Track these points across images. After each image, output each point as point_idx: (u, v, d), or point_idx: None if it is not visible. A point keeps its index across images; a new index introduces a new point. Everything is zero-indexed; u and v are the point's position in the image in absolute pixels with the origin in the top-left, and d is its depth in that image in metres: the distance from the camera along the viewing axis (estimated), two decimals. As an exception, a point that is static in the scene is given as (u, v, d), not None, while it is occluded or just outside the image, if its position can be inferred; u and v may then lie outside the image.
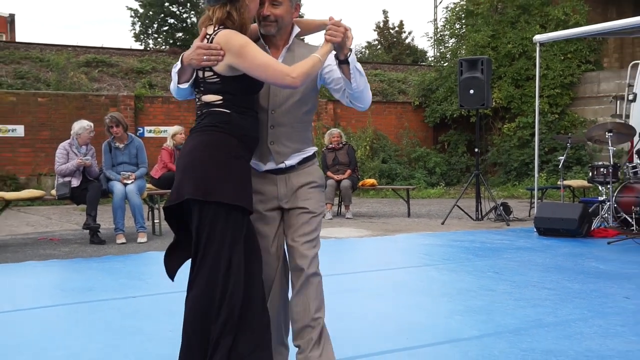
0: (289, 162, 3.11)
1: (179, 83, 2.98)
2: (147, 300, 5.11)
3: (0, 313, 4.75)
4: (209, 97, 2.95)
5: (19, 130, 14.26)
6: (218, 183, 2.83)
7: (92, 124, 8.49)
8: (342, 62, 2.99)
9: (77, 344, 3.95)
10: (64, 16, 66.61)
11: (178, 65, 2.96)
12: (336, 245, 8.11)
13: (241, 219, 2.88)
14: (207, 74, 2.90)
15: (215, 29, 2.88)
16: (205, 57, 2.82)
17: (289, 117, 3.09)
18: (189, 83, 2.97)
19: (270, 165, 3.07)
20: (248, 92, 2.96)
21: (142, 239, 8.21)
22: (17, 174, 14.10)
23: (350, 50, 2.97)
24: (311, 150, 3.20)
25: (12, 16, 31.18)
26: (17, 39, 28.44)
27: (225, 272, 2.83)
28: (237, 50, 2.82)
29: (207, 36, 2.88)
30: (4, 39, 27.20)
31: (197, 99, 3.02)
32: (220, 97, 2.91)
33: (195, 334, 2.89)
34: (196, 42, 2.88)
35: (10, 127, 14.19)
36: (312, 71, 2.90)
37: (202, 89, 2.96)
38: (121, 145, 8.47)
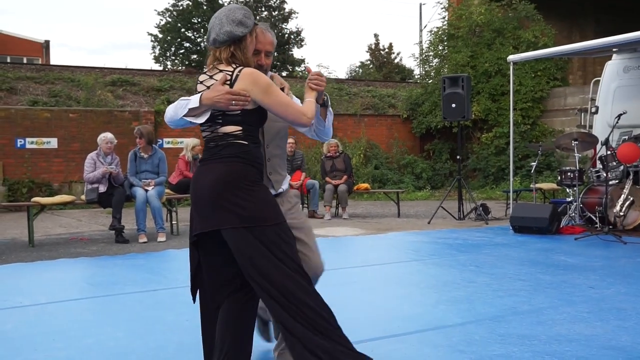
0: (284, 186, 3.14)
1: (187, 116, 2.84)
2: (167, 293, 5.09)
3: (36, 305, 4.73)
4: (229, 128, 2.81)
5: (53, 143, 14.25)
6: (258, 208, 2.73)
7: (108, 136, 8.46)
8: (322, 105, 3.07)
9: (104, 333, 3.93)
10: (92, 42, 66.69)
11: (192, 102, 2.80)
12: (334, 243, 8.09)
13: (287, 230, 2.83)
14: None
15: (235, 67, 2.81)
16: (233, 103, 2.73)
17: (278, 150, 3.13)
18: (204, 118, 2.82)
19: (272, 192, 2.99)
20: (260, 124, 2.92)
21: (161, 238, 8.19)
22: (51, 181, 14.08)
23: (326, 94, 3.08)
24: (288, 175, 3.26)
25: (47, 42, 31.21)
26: (52, 62, 28.47)
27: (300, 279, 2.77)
28: (264, 88, 2.77)
29: (229, 74, 2.79)
30: (40, 62, 27.22)
31: (208, 131, 2.85)
32: (240, 128, 2.80)
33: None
34: (219, 86, 2.76)
35: (45, 139, 14.17)
36: (315, 113, 2.97)
37: (220, 121, 2.81)
38: (145, 156, 8.47)
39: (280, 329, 2.80)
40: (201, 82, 2.89)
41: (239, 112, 2.78)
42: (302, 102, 3.02)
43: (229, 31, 2.81)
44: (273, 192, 3.02)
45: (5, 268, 6.37)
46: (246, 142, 2.81)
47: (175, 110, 2.90)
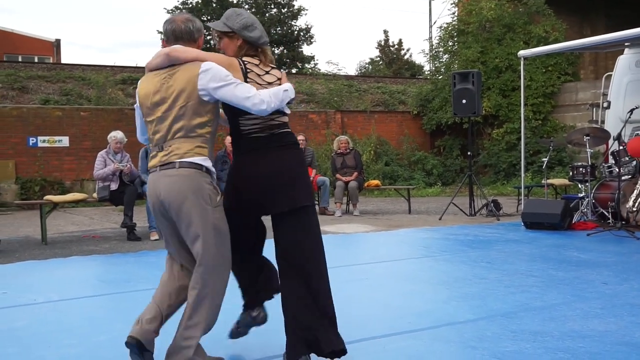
0: None
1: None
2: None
3: (49, 302, 4.76)
4: (285, 118, 3.19)
5: (65, 141, 14.32)
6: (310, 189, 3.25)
7: (118, 136, 8.46)
8: None
9: (116, 329, 3.94)
10: (102, 40, 66.96)
11: (291, 92, 3.20)
12: (345, 240, 8.08)
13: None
14: None
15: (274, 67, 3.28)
16: None
17: None
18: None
19: None
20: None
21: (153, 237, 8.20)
22: (63, 179, 14.16)
23: None
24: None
25: (57, 41, 31.33)
26: (63, 61, 28.60)
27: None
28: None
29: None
30: (51, 61, 27.35)
31: (259, 120, 3.09)
32: (287, 118, 3.23)
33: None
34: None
35: (57, 138, 14.25)
36: None
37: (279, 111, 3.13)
38: (156, 153, 8.46)
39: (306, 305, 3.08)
40: (258, 76, 3.13)
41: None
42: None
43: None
44: None
45: (18, 265, 6.42)
46: (290, 130, 3.21)
47: (282, 101, 3.09)
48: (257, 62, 3.15)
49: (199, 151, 3.03)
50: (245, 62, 3.11)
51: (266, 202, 3.09)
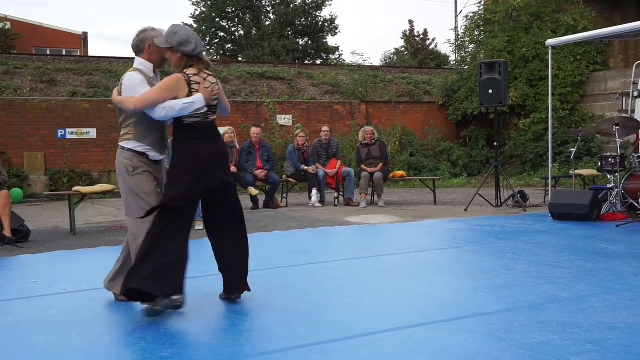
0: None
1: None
2: (204, 280, 5.14)
3: (79, 291, 4.84)
4: (214, 116, 4.30)
5: (92, 133, 14.51)
6: None
7: None
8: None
9: (143, 318, 3.99)
10: (127, 33, 67.50)
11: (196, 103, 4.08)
12: (370, 231, 8.09)
13: None
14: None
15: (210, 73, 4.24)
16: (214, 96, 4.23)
17: None
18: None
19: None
20: None
21: (198, 226, 8.24)
22: (90, 170, 14.36)
23: None
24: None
25: (85, 34, 31.67)
26: (90, 54, 28.92)
27: None
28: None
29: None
30: (78, 54, 27.67)
31: (207, 117, 4.20)
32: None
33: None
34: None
35: (84, 130, 14.45)
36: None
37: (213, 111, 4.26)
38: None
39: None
40: (199, 83, 4.11)
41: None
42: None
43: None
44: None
45: (48, 255, 6.53)
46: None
47: (178, 111, 4.06)
48: (196, 71, 4.10)
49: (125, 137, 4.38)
50: (190, 76, 4.08)
51: None
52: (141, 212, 4.09)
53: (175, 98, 4.00)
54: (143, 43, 4.26)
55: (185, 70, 4.08)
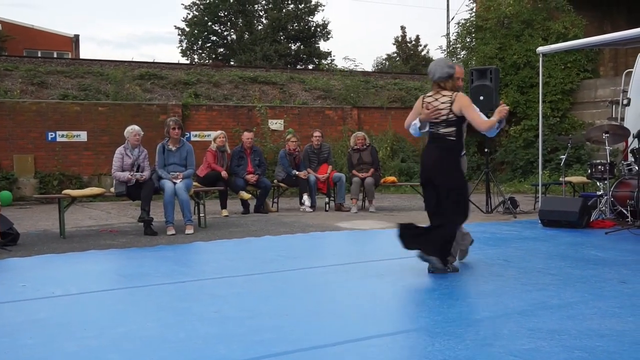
0: None
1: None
2: (194, 285, 5.14)
3: (68, 295, 4.82)
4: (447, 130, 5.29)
5: (83, 136, 14.45)
6: None
7: (135, 128, 8.52)
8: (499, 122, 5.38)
9: (135, 323, 3.99)
10: (119, 36, 67.35)
11: (417, 123, 5.39)
12: (361, 236, 8.09)
13: None
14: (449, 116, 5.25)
15: (451, 93, 5.24)
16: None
17: None
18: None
19: None
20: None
21: (189, 230, 8.26)
22: (81, 173, 14.28)
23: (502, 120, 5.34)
24: None
25: (76, 36, 31.59)
26: (81, 56, 28.83)
27: None
28: (468, 104, 5.23)
29: (449, 97, 5.24)
30: (69, 57, 27.58)
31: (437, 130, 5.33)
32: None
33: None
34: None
35: (75, 132, 14.38)
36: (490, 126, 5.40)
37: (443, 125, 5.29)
38: (174, 148, 8.56)
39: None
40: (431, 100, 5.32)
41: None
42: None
43: (447, 72, 5.29)
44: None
45: (37, 259, 6.49)
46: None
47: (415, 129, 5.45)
48: (432, 93, 5.36)
49: None
50: (425, 98, 5.36)
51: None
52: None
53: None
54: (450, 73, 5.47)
55: (426, 94, 5.35)
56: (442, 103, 5.19)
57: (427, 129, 5.29)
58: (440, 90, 5.24)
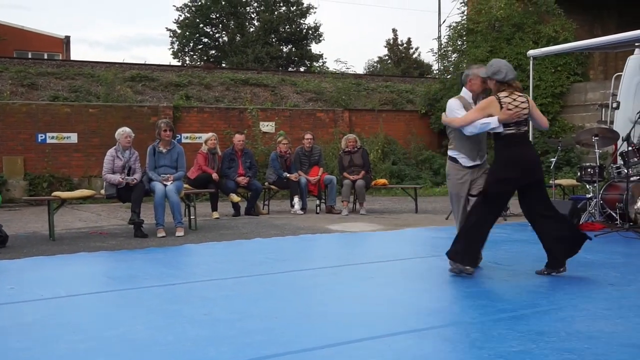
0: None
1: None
2: (184, 287, 5.12)
3: (57, 298, 4.79)
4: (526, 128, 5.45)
5: (73, 138, 14.38)
6: None
7: (126, 130, 8.50)
8: None
9: (124, 325, 3.97)
10: (110, 37, 67.14)
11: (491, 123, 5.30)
12: (352, 239, 8.09)
13: None
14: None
15: (523, 94, 5.39)
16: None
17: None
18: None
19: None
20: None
21: (179, 233, 8.24)
22: (71, 175, 14.22)
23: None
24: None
25: (67, 38, 31.46)
26: (72, 58, 28.71)
27: None
28: (535, 105, 5.59)
29: (524, 97, 5.39)
30: (60, 58, 27.45)
31: (519, 129, 5.38)
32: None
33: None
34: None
35: (65, 134, 14.32)
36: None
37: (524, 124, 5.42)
38: (164, 150, 8.53)
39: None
40: (509, 103, 5.27)
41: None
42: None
43: (514, 73, 5.43)
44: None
45: (26, 261, 6.45)
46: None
47: (479, 129, 5.39)
48: (507, 93, 5.28)
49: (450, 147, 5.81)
50: (501, 97, 5.26)
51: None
52: (451, 208, 6.03)
53: (490, 115, 5.23)
54: (466, 78, 5.73)
55: (498, 93, 5.29)
56: (522, 102, 5.29)
57: (501, 129, 5.26)
58: (513, 90, 5.33)
